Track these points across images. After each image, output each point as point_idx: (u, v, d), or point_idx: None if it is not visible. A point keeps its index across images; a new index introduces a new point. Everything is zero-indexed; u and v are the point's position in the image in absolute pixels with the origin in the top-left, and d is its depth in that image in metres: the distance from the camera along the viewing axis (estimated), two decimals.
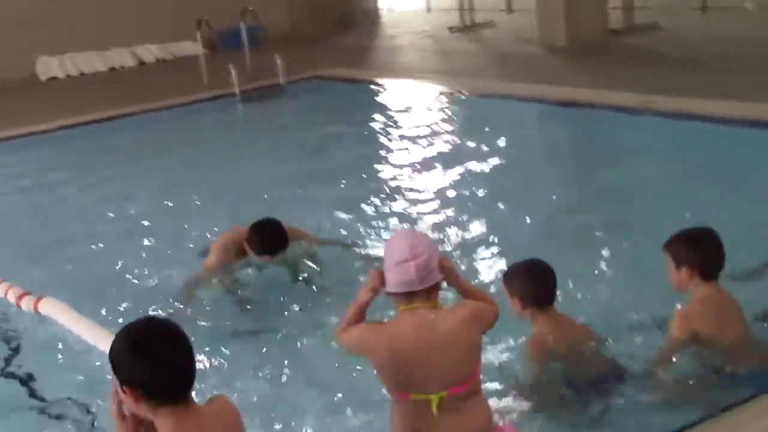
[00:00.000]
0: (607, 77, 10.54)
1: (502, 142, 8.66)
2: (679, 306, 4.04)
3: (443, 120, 9.94)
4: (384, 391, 3.49)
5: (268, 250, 5.44)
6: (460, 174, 7.77)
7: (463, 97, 10.70)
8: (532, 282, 4.09)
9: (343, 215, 6.85)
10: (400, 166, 8.34)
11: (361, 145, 9.36)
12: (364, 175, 8.14)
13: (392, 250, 3.38)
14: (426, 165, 8.21)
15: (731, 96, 8.47)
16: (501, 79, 11.42)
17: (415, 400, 3.36)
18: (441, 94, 11.03)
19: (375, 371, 3.44)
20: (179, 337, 2.81)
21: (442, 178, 7.78)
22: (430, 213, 6.86)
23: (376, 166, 8.47)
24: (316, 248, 5.81)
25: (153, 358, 2.73)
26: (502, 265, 5.39)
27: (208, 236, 6.38)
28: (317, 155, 9.08)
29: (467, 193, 7.27)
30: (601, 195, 6.96)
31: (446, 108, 10.51)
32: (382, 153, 8.93)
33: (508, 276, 4.17)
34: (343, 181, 7.92)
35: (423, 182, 7.76)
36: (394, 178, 7.96)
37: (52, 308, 5.56)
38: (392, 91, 11.78)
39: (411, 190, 7.52)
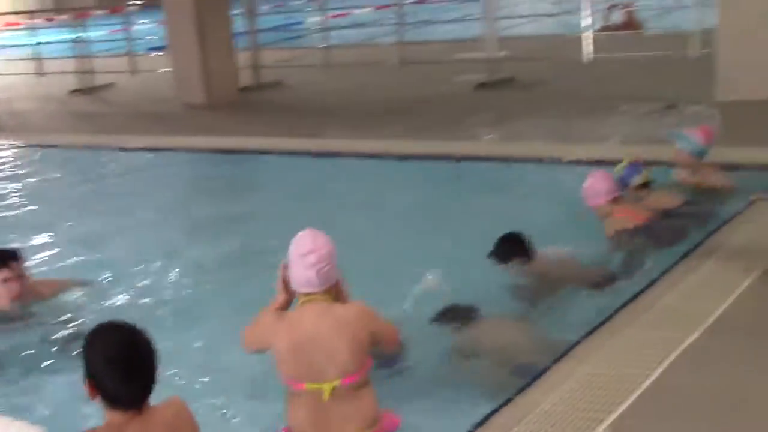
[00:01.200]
0: (243, 125, 11.68)
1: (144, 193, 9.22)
2: None
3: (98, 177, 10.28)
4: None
5: None
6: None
7: (118, 153, 11.00)
8: None
9: None
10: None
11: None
12: None
13: (294, 248, 3.80)
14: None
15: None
16: (152, 133, 11.84)
17: (310, 389, 3.70)
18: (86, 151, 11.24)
19: (276, 361, 3.78)
20: (150, 352, 2.96)
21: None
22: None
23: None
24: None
25: (122, 373, 2.91)
26: None
27: None
28: None
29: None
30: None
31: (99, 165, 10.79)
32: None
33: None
34: None
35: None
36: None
37: None
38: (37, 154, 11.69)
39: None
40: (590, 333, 4.69)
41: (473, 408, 4.07)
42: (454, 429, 3.93)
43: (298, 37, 20.58)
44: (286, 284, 3.90)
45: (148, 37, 18.78)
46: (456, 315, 5.02)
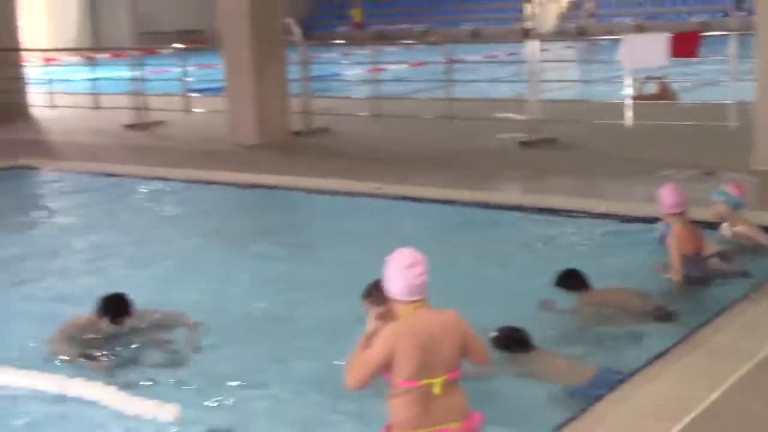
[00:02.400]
0: (294, 166, 12.33)
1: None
2: None
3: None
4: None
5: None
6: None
7: (178, 185, 11.65)
8: None
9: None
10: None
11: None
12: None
13: (399, 262, 4.31)
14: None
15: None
16: (208, 168, 12.47)
17: (423, 385, 4.17)
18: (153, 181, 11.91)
19: (395, 366, 4.20)
20: None
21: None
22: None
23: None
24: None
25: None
26: None
27: None
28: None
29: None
30: None
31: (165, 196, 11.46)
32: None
33: None
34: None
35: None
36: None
37: None
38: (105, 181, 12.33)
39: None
40: (649, 363, 5.24)
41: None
42: None
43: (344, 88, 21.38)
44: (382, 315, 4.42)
45: (195, 79, 19.59)
46: (509, 341, 5.57)
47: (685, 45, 12.27)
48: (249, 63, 14.17)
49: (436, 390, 4.22)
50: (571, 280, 6.46)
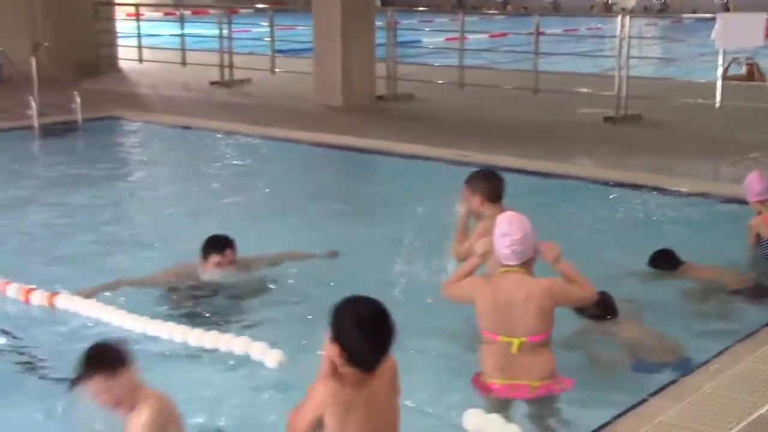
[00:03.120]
0: (379, 130, 12.46)
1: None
2: None
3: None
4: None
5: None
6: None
7: (274, 143, 11.89)
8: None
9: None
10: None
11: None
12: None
13: (497, 227, 4.61)
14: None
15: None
16: (299, 128, 12.60)
17: (502, 341, 4.55)
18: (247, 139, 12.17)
19: (477, 314, 4.62)
20: (391, 324, 3.47)
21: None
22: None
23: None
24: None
25: (371, 336, 3.42)
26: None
27: None
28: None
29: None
30: None
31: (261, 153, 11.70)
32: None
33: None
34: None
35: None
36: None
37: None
38: (192, 135, 12.63)
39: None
40: (727, 348, 5.31)
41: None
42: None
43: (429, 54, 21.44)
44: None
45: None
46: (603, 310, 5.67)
47: None
48: (338, 26, 14.30)
49: (513, 349, 4.51)
50: (665, 261, 6.54)
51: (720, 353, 5.23)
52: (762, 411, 4.48)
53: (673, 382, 4.93)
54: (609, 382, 5.18)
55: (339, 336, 3.41)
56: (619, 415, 4.54)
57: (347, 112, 14.08)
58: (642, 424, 4.41)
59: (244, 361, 5.42)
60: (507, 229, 4.57)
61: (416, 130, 12.46)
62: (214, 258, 6.36)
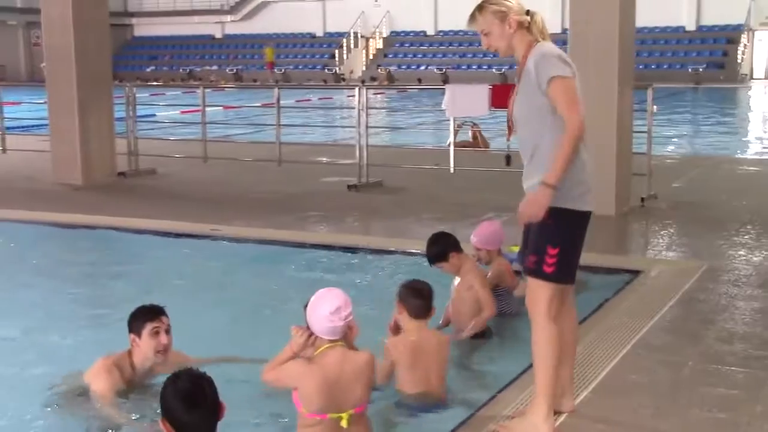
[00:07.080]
0: (120, 207, 12.24)
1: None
2: None
3: None
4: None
5: None
6: None
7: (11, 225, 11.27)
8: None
9: None
10: None
11: None
12: None
13: (323, 305, 4.58)
14: None
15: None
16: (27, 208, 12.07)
17: (331, 419, 4.53)
18: None
19: (301, 398, 4.54)
20: (213, 391, 3.77)
21: None
22: None
23: None
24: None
25: (190, 406, 3.70)
26: None
27: None
28: None
29: None
30: None
31: None
32: None
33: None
34: None
35: None
36: None
37: None
38: None
39: None
40: None
41: None
42: None
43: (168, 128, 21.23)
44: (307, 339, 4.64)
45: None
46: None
47: (501, 96, 13.06)
48: (75, 101, 13.94)
49: (344, 423, 4.54)
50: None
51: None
52: None
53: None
54: None
55: (166, 414, 3.75)
56: None
57: (88, 190, 13.66)
58: None
59: None
60: (340, 303, 4.56)
61: (163, 206, 12.34)
62: (150, 325, 5.43)
